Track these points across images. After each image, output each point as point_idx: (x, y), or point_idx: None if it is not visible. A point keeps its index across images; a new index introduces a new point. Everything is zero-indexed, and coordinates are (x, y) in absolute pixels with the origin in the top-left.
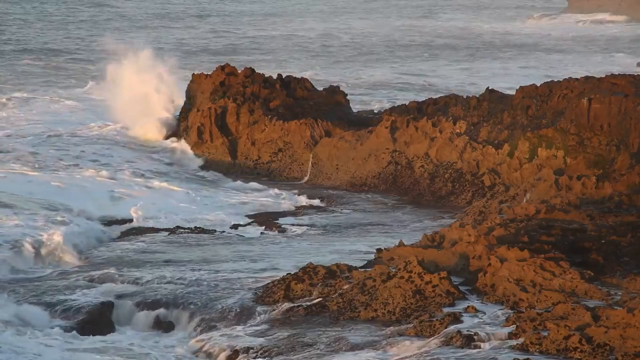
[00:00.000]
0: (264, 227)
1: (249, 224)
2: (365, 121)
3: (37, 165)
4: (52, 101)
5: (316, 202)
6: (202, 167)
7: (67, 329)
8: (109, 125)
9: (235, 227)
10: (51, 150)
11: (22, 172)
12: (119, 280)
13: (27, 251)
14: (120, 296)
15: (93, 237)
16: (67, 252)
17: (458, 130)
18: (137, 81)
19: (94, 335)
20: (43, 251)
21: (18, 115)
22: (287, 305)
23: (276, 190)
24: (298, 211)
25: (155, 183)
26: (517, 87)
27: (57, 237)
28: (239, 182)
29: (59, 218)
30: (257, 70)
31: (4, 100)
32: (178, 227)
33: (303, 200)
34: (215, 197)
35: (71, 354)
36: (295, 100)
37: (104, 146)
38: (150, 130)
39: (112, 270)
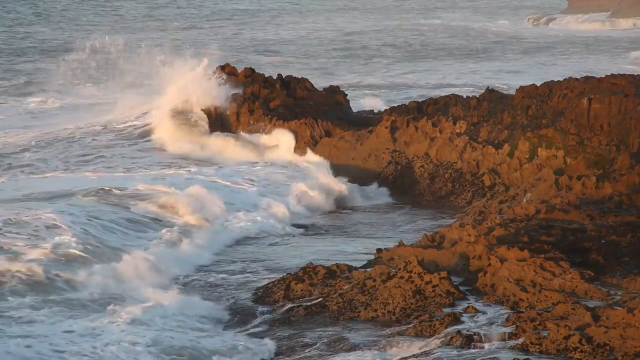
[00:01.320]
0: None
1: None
2: (365, 121)
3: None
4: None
5: None
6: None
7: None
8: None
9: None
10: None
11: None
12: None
13: None
14: None
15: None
16: None
17: (458, 130)
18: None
19: None
20: None
21: (34, 117)
22: (287, 305)
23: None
24: None
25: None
26: (517, 87)
27: None
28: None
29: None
30: (257, 71)
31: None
32: None
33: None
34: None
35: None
36: (295, 100)
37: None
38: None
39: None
